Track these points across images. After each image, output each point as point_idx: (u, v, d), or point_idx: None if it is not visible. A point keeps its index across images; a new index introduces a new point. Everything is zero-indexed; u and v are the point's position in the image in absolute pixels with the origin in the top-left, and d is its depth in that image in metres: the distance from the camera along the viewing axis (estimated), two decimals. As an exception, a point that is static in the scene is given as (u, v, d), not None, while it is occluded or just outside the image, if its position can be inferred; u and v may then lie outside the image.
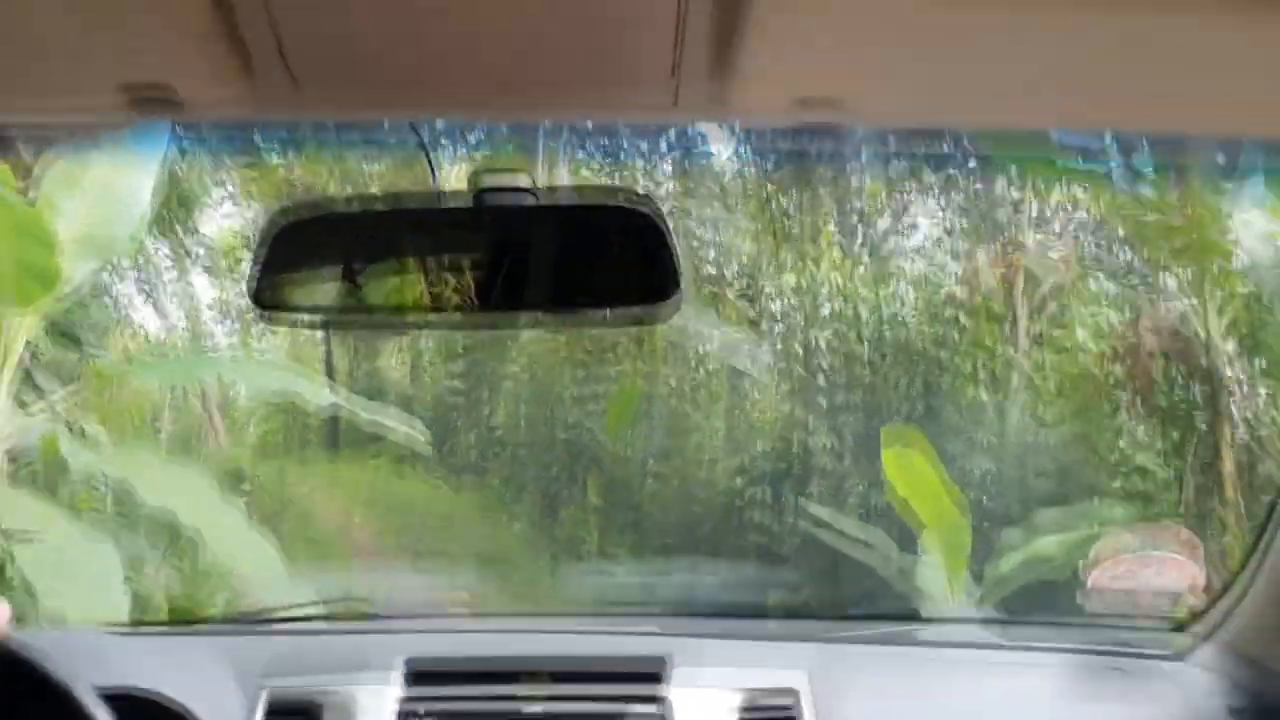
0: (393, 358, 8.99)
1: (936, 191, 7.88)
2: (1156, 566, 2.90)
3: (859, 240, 7.77)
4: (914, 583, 5.60)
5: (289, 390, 5.71)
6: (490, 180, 1.20)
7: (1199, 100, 1.09)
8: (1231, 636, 2.07)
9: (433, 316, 1.35)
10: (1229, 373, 6.18)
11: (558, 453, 7.66)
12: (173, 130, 4.76)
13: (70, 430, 5.40)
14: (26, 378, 5.39)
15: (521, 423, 7.89)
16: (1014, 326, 7.14)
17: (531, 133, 5.31)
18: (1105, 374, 6.76)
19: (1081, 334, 7.06)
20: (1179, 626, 2.44)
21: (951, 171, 7.68)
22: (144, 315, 8.06)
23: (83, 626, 3.66)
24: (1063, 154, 6.02)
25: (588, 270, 1.29)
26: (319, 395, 5.79)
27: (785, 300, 7.51)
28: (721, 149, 7.50)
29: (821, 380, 7.20)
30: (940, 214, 7.95)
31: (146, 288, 7.90)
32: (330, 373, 7.72)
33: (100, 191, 4.92)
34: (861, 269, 7.46)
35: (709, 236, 7.71)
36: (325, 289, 1.38)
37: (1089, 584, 3.00)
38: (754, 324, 7.55)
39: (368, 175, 6.92)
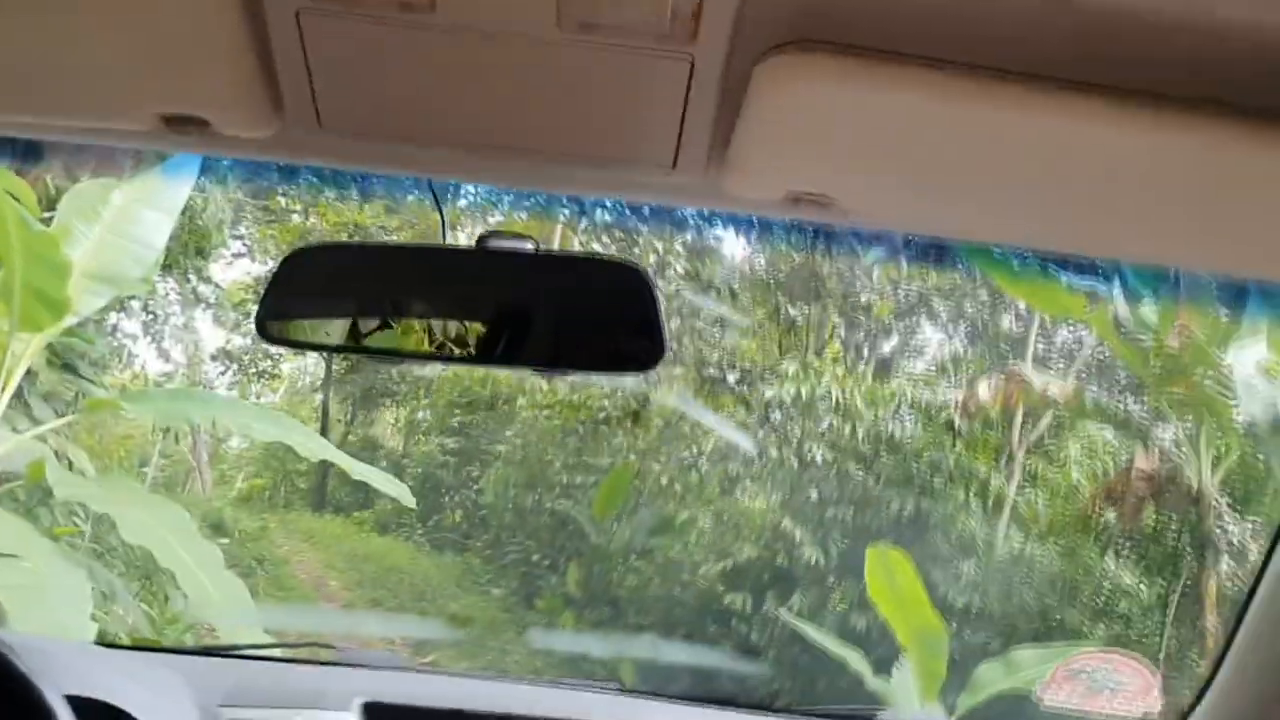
0: (388, 426, 9.02)
1: (944, 318, 7.99)
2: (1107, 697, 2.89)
3: (864, 357, 7.86)
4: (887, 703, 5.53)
5: (282, 439, 5.69)
6: (495, 242, 1.27)
7: (1191, 233, 1.11)
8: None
9: (427, 355, 1.39)
10: (1217, 529, 6.16)
11: (542, 535, 7.62)
12: (199, 175, 4.84)
13: (58, 458, 5.38)
14: (21, 402, 5.40)
15: (509, 504, 7.87)
16: (1010, 460, 7.15)
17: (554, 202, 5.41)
18: (1096, 516, 6.74)
19: (1075, 474, 7.06)
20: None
21: (960, 299, 7.81)
22: (146, 354, 8.14)
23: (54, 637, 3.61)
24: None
25: (580, 330, 1.34)
26: (311, 448, 5.76)
27: (785, 410, 7.54)
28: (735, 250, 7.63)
29: (814, 494, 7.19)
30: (946, 341, 8.05)
31: (152, 328, 7.98)
32: (325, 429, 7.74)
33: (119, 227, 4.98)
34: (863, 386, 7.51)
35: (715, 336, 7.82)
36: (329, 322, 1.42)
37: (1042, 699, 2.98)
38: (750, 428, 7.58)
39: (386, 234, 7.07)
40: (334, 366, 8.55)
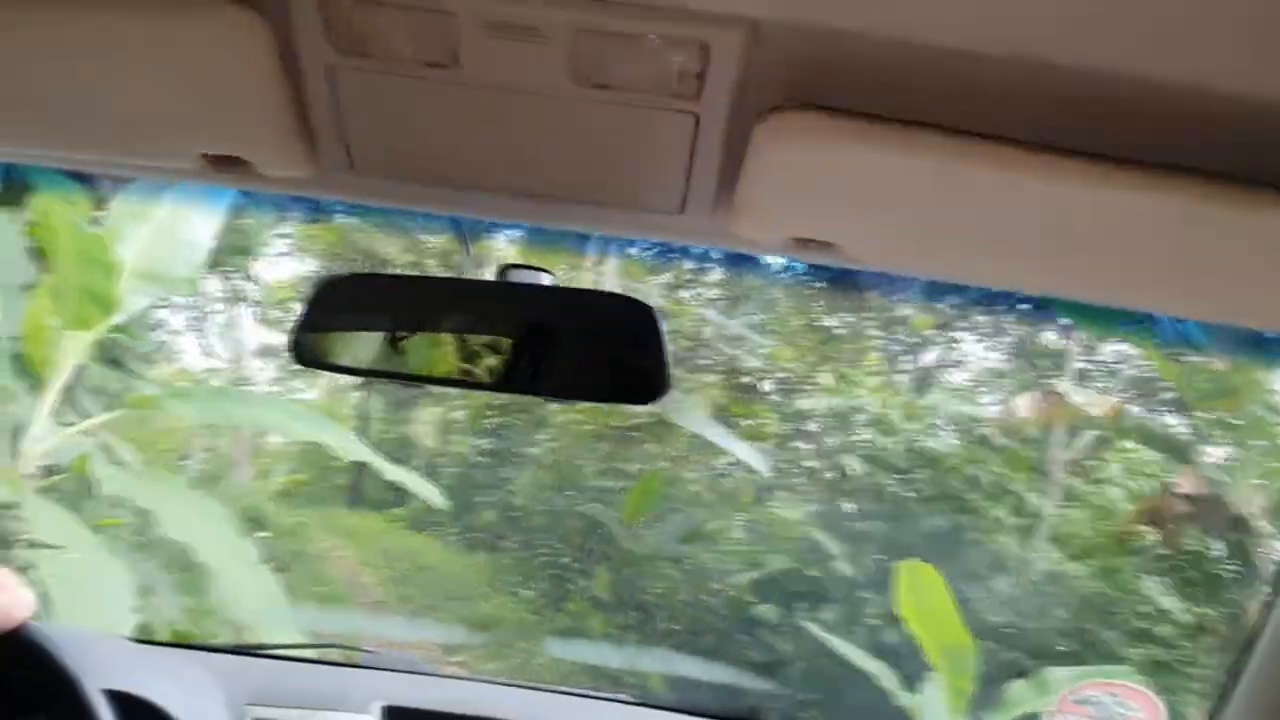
0: (424, 425, 9.10)
1: (984, 331, 7.91)
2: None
3: (902, 371, 7.81)
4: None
5: (319, 439, 5.79)
6: (516, 274, 1.34)
7: (1175, 284, 1.16)
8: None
9: (449, 381, 1.44)
10: (1260, 554, 6.06)
11: (573, 538, 7.65)
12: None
13: (104, 453, 5.50)
14: (70, 397, 5.52)
15: (541, 507, 7.91)
16: (1047, 477, 7.07)
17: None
18: (1134, 536, 6.65)
19: (1115, 492, 6.97)
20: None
21: (1002, 312, 7.72)
22: (191, 352, 8.30)
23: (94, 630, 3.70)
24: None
25: (590, 361, 1.40)
26: (347, 448, 5.85)
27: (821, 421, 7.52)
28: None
29: (847, 506, 7.15)
30: (986, 355, 7.97)
31: (197, 326, 8.13)
32: (360, 428, 7.82)
33: (166, 228, 5.09)
34: (901, 399, 7.46)
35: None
36: (358, 347, 1.48)
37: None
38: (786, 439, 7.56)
39: (423, 242, 7.15)
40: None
